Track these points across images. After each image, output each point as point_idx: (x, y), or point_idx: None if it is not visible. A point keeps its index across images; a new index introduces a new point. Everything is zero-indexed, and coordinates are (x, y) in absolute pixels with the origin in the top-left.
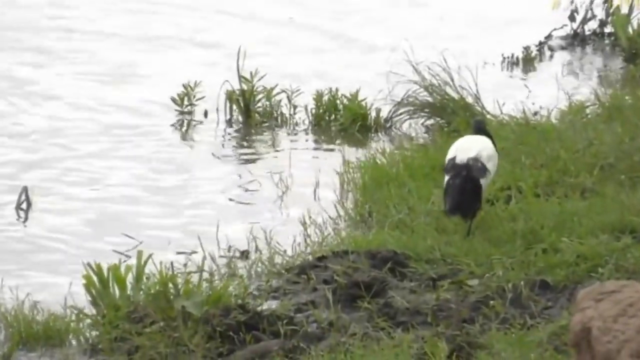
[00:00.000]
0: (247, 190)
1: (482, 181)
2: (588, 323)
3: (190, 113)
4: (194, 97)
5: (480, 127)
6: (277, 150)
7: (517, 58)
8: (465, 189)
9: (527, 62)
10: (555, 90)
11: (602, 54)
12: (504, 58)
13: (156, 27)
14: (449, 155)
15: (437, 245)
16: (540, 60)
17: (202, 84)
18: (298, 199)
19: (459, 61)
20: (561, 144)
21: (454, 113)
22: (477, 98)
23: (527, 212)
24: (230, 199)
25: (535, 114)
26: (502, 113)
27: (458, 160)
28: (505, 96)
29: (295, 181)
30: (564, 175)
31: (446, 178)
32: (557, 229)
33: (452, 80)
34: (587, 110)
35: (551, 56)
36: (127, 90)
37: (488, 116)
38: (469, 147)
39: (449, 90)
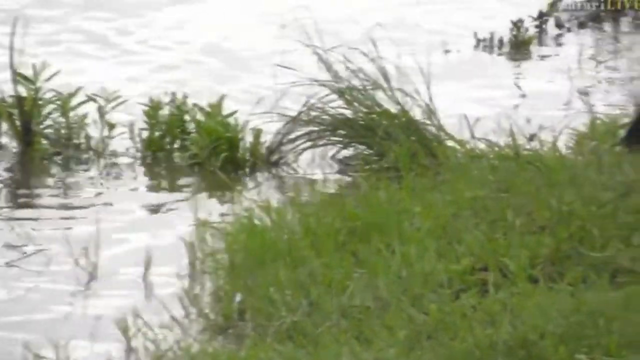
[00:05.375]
0: (24, 269)
1: None
2: None
3: None
4: None
5: None
6: (79, 202)
7: (502, 40)
8: None
9: (519, 47)
10: (567, 95)
11: None
12: (479, 40)
13: None
14: None
15: None
16: (541, 45)
17: None
18: (114, 288)
19: (399, 46)
20: (577, 193)
21: (389, 137)
22: (430, 111)
23: (516, 309)
24: None
25: (532, 138)
26: (473, 137)
27: None
28: (478, 107)
29: (110, 256)
30: (580, 245)
31: None
32: (568, 338)
33: (388, 79)
34: (623, 132)
35: (559, 39)
36: None
37: (449, 142)
38: None
39: (381, 97)
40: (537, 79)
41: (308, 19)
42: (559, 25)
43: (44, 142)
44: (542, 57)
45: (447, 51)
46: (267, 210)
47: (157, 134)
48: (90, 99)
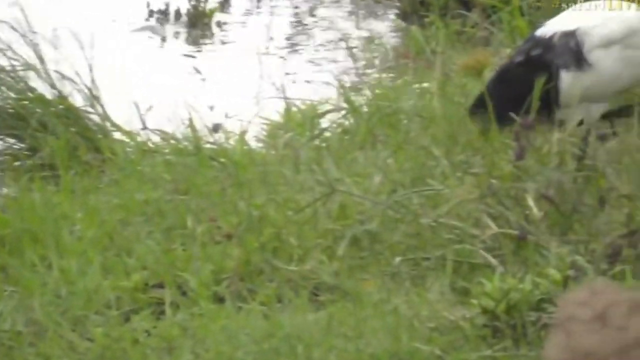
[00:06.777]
0: None
1: (565, 75)
2: None
3: None
4: None
5: None
6: None
7: (179, 11)
8: (512, 75)
9: (199, 19)
10: (257, 78)
11: (349, 2)
12: (152, 12)
13: None
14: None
15: None
16: (226, 14)
17: None
18: None
19: (57, 18)
20: (270, 194)
21: (44, 128)
22: (93, 97)
23: (198, 333)
24: None
25: (216, 129)
26: (145, 128)
27: (539, 33)
28: (150, 92)
29: None
30: (274, 257)
31: None
32: None
33: (42, 59)
34: (324, 121)
35: (247, 9)
36: None
37: (117, 135)
38: (577, 18)
39: (35, 80)
40: (221, 57)
41: None
42: None
43: None
44: (228, 32)
45: (114, 20)
46: None
47: None
48: None
